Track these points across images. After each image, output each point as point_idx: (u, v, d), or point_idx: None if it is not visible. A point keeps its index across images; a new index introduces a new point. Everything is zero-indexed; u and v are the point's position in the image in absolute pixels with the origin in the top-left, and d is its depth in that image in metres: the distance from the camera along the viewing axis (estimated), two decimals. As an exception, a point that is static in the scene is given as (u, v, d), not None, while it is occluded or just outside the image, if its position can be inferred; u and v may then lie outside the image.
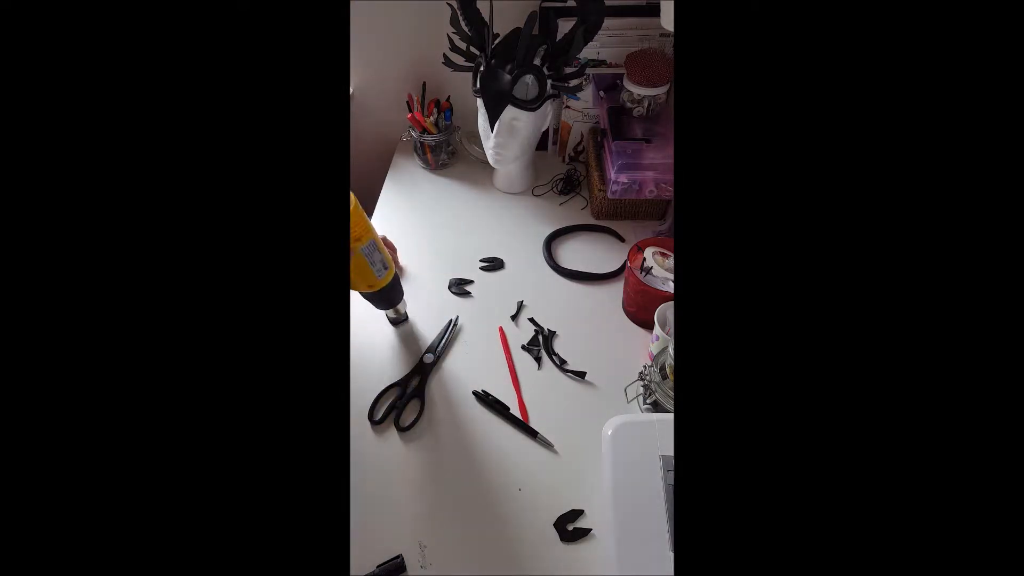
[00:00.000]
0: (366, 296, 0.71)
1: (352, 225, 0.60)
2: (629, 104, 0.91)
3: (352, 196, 0.59)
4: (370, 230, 0.63)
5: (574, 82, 0.84)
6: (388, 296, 0.71)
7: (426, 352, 0.74)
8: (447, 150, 1.05)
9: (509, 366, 0.73)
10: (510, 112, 0.85)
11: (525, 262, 0.88)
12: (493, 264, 0.87)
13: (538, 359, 0.74)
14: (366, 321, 0.78)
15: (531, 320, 0.79)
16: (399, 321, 0.78)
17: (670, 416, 0.57)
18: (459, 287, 0.83)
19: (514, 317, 0.80)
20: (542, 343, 0.76)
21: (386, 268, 0.66)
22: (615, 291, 0.83)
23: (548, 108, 0.88)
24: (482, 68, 0.83)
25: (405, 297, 0.76)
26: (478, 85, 0.85)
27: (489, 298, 0.83)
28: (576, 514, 0.59)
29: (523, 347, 0.76)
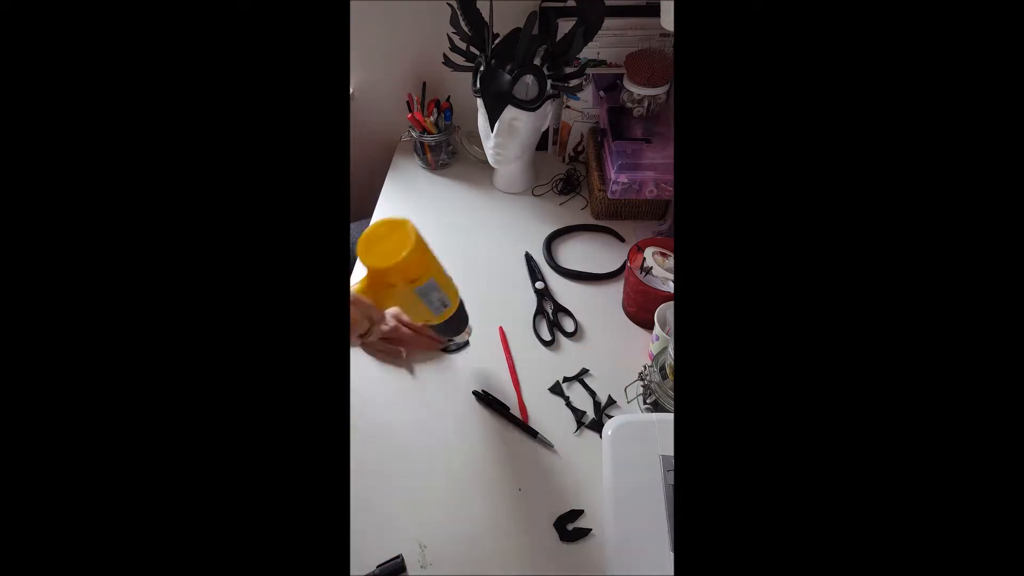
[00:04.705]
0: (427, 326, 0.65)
1: (408, 267, 0.54)
2: (629, 104, 0.91)
3: (414, 234, 0.54)
4: (431, 268, 0.57)
5: (574, 82, 0.84)
6: (451, 327, 0.66)
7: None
8: (447, 150, 1.05)
9: (509, 366, 0.73)
10: (510, 112, 0.85)
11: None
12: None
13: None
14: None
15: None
16: (452, 349, 0.74)
17: (670, 416, 0.57)
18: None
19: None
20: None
21: (446, 306, 0.60)
22: (615, 291, 0.83)
23: (548, 108, 0.88)
24: (482, 68, 0.83)
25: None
26: (478, 85, 0.85)
27: (489, 298, 0.83)
28: (576, 514, 0.59)
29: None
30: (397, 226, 0.56)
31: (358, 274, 0.56)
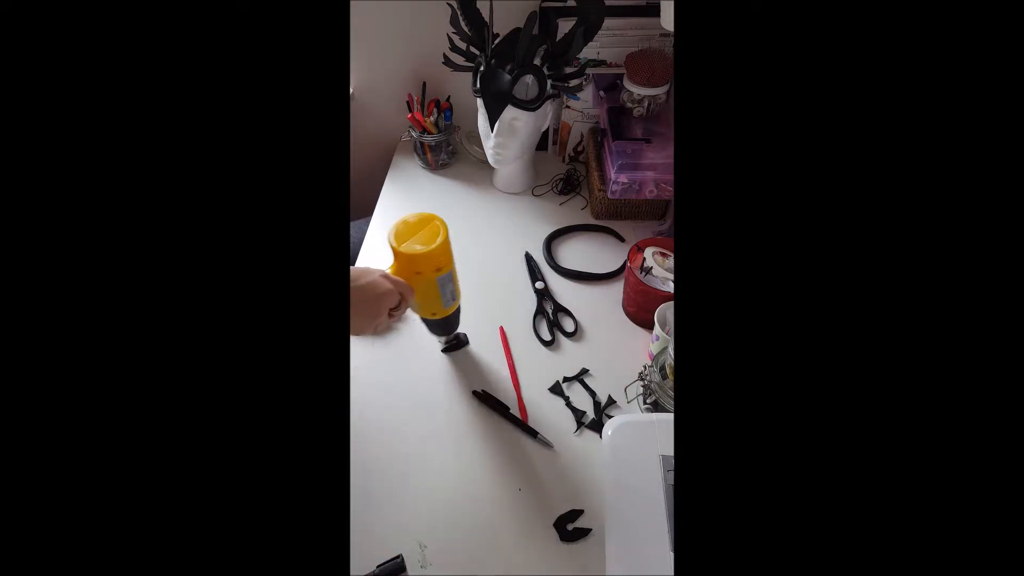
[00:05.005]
0: (425, 321, 0.71)
1: (439, 255, 0.60)
2: (629, 104, 0.91)
3: (444, 226, 0.61)
4: (451, 261, 0.63)
5: (574, 82, 0.84)
6: (449, 324, 0.71)
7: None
8: (447, 150, 1.05)
9: (509, 365, 0.73)
10: (510, 112, 0.85)
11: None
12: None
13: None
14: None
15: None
16: (455, 346, 0.76)
17: (670, 416, 0.57)
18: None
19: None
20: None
21: (454, 299, 0.67)
22: (615, 291, 0.83)
23: (548, 108, 0.88)
24: (482, 68, 0.83)
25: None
26: (478, 85, 0.85)
27: (489, 298, 0.83)
28: (576, 514, 0.59)
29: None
30: (427, 220, 0.61)
31: (385, 262, 0.61)
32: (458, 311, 0.70)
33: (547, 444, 0.65)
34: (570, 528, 0.58)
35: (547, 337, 0.77)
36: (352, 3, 0.93)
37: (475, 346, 0.76)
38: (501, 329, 0.78)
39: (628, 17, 0.90)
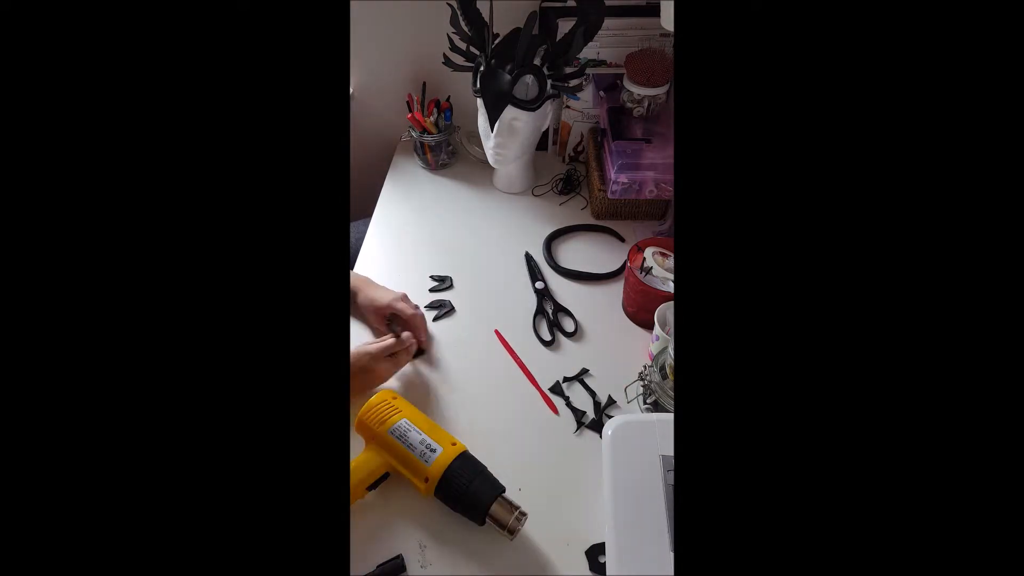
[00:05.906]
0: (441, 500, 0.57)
1: (377, 410, 0.60)
2: (629, 104, 0.91)
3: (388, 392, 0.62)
4: (405, 409, 0.61)
5: (574, 82, 0.84)
6: (458, 491, 0.55)
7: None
8: (447, 150, 1.05)
9: (517, 362, 0.73)
10: (510, 112, 0.85)
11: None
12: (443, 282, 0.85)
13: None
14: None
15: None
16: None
17: (670, 416, 0.57)
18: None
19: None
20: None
21: (434, 450, 0.56)
22: (615, 291, 0.83)
23: (548, 108, 0.88)
24: (482, 68, 0.83)
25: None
26: (478, 85, 0.85)
27: (489, 298, 0.83)
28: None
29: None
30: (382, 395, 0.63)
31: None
32: (465, 462, 0.57)
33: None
34: (601, 561, 0.55)
35: (547, 337, 0.77)
36: (352, 3, 0.93)
37: (477, 347, 0.76)
38: (497, 332, 0.78)
39: (628, 17, 0.90)
